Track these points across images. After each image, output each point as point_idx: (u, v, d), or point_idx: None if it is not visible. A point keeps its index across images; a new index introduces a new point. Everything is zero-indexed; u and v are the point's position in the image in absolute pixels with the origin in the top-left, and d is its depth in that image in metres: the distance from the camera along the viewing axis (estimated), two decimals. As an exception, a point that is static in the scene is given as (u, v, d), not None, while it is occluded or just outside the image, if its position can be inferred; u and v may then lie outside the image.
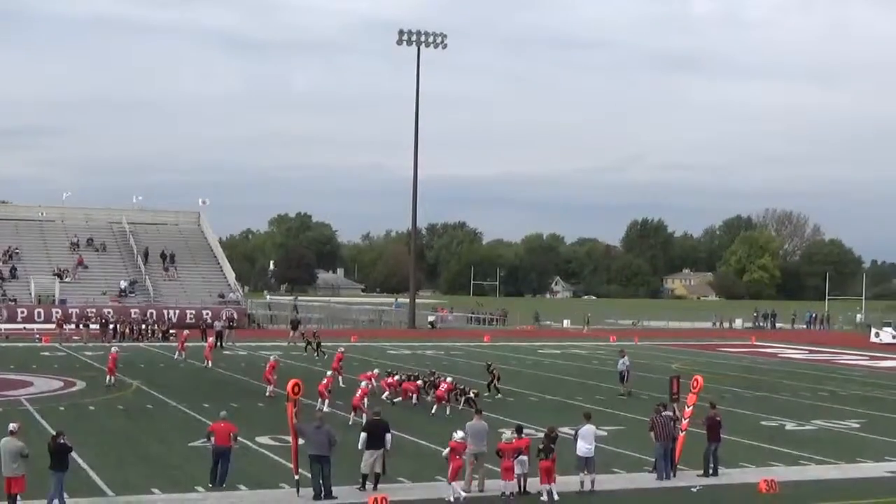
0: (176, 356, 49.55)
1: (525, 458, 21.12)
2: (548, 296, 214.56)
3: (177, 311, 73.05)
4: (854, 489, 22.56)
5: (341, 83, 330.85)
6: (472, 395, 32.72)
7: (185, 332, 51.71)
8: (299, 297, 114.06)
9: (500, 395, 36.45)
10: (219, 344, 54.51)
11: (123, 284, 76.72)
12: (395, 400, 34.06)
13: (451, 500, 20.31)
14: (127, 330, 62.92)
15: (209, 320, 66.02)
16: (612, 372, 40.69)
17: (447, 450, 20.70)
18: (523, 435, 21.76)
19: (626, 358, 39.48)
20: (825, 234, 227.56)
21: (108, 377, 38.92)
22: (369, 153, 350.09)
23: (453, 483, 20.47)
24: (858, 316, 77.63)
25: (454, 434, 21.13)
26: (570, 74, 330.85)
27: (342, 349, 41.98)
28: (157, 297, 76.32)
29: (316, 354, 51.41)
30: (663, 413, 23.36)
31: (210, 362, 45.88)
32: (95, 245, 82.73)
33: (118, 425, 29.73)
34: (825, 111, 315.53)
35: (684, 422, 23.66)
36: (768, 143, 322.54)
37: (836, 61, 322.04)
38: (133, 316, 68.57)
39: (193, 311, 73.26)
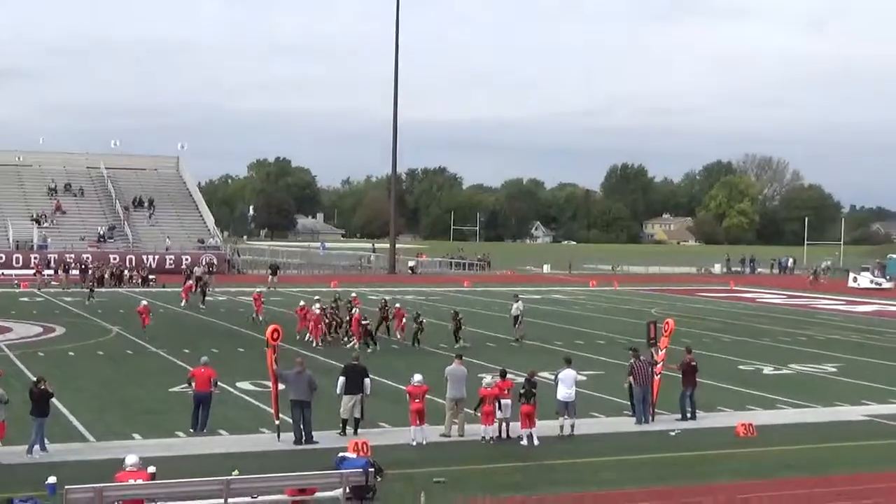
0: (182, 304, 48.20)
1: (508, 401, 21.21)
2: (528, 241, 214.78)
3: (156, 257, 72.89)
4: (831, 432, 22.79)
5: (322, 27, 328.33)
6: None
7: (189, 282, 50.12)
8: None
9: (466, 344, 34.96)
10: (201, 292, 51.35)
11: (102, 230, 76.39)
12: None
13: (413, 444, 20.54)
14: (106, 275, 62.76)
15: (190, 266, 65.75)
16: (594, 317, 40.84)
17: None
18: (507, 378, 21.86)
19: (519, 303, 39.25)
20: (805, 180, 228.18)
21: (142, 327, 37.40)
22: (349, 97, 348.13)
23: (413, 427, 20.66)
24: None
25: (412, 378, 21.23)
26: (549, 17, 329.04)
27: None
28: (136, 242, 76.04)
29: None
30: (641, 357, 23.49)
31: (185, 301, 45.73)
32: (73, 190, 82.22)
33: (98, 371, 29.72)
34: (808, 55, 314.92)
35: (658, 365, 23.80)
36: (749, 87, 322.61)
37: (815, 4, 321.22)
38: (112, 261, 68.32)
39: (173, 257, 73.14)
